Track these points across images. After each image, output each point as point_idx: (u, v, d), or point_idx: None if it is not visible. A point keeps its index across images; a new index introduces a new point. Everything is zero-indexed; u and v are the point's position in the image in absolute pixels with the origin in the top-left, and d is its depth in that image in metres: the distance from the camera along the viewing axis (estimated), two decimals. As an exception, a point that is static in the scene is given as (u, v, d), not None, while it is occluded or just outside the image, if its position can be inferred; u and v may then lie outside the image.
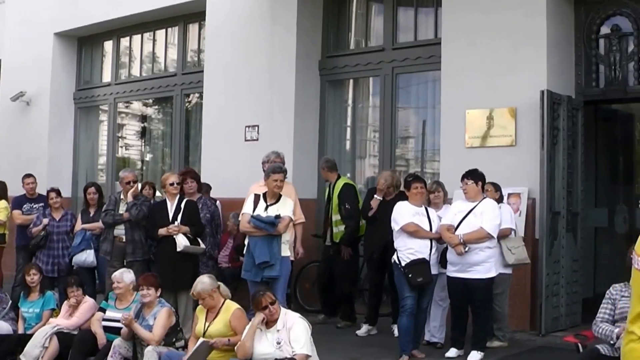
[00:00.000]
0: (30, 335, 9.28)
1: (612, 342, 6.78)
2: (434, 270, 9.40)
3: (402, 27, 13.35)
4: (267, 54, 13.78)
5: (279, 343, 7.66)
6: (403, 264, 9.21)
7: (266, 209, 9.85)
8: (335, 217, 11.44)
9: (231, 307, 8.36)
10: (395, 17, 13.30)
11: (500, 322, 9.95)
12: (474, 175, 9.39)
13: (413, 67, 12.99)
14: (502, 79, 11.25)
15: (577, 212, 11.29)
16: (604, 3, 11.63)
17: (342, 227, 11.36)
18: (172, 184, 10.53)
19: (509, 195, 10.58)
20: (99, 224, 11.48)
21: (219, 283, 8.55)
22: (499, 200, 9.94)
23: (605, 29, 11.68)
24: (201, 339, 8.13)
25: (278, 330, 7.72)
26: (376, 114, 13.67)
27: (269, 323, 7.77)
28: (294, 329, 7.69)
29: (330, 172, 11.67)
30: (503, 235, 9.72)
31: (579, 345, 7.38)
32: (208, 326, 8.26)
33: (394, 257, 9.37)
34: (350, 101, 14.39)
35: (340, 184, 11.55)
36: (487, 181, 9.64)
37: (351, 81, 14.25)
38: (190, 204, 10.61)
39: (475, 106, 11.48)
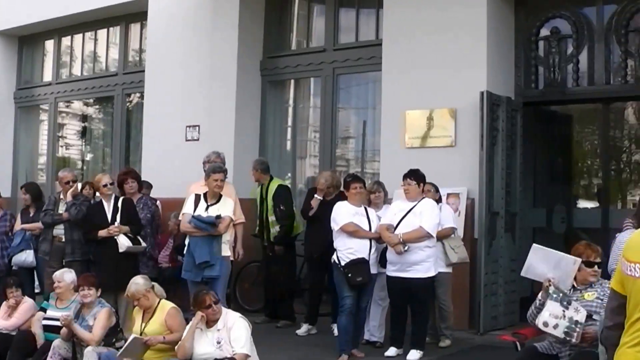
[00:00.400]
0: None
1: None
2: (373, 270, 9.41)
3: (344, 28, 13.44)
4: (209, 54, 13.74)
5: (219, 342, 7.62)
6: (342, 263, 9.22)
7: (207, 209, 9.79)
8: (271, 218, 11.48)
9: (166, 306, 8.31)
10: (336, 18, 13.38)
11: (447, 321, 10.05)
12: (416, 175, 9.43)
13: (354, 68, 13.10)
14: (442, 80, 11.35)
15: (516, 212, 11.44)
16: (544, 6, 11.81)
17: (278, 228, 11.41)
18: (105, 185, 10.41)
19: (448, 195, 10.67)
20: (39, 224, 11.32)
21: (153, 283, 8.51)
22: (439, 200, 10.02)
23: (545, 32, 11.88)
24: (133, 335, 8.08)
25: (218, 330, 7.69)
26: (317, 114, 13.74)
27: (209, 323, 7.73)
28: (234, 328, 7.66)
29: (264, 174, 11.67)
30: (445, 234, 9.83)
31: (517, 343, 7.41)
32: (144, 327, 8.20)
33: (334, 256, 9.37)
34: (291, 101, 14.44)
35: (274, 185, 11.58)
36: (426, 181, 9.71)
37: (292, 82, 14.31)
38: (126, 203, 10.50)
39: (415, 107, 11.57)
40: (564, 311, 6.60)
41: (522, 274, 7.32)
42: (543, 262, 7.01)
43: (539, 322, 6.69)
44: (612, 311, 4.13)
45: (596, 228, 12.04)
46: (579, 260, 6.82)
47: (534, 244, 7.43)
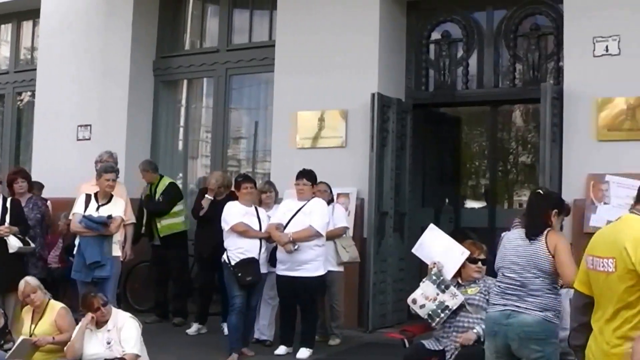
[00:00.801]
0: None
1: None
2: (263, 269, 9.47)
3: (237, 28, 13.48)
4: (102, 53, 13.61)
5: (109, 343, 7.58)
6: (233, 263, 9.25)
7: (98, 209, 9.72)
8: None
9: (56, 306, 8.23)
10: (230, 19, 13.41)
11: (338, 319, 10.19)
12: (310, 176, 9.53)
13: (247, 69, 13.15)
14: (333, 81, 11.48)
15: (405, 212, 11.64)
16: (435, 10, 12.05)
17: (165, 222, 11.44)
18: None
19: (338, 195, 10.79)
20: None
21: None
22: (332, 200, 10.14)
23: (436, 35, 12.11)
24: (21, 337, 7.97)
25: (108, 330, 7.64)
26: (209, 114, 13.74)
27: (99, 323, 7.68)
28: (124, 329, 7.63)
29: (154, 174, 11.68)
30: (337, 234, 9.97)
31: (405, 340, 7.52)
32: (34, 327, 8.10)
33: (224, 256, 9.39)
34: (183, 102, 14.42)
35: (165, 182, 11.65)
36: (321, 181, 9.84)
37: (185, 82, 14.31)
38: (14, 203, 10.34)
39: (306, 108, 11.70)
40: (437, 294, 6.89)
41: (413, 250, 7.56)
42: (435, 244, 7.29)
43: (409, 298, 7.06)
44: (577, 311, 4.29)
45: (483, 227, 12.36)
46: (467, 252, 7.08)
47: (431, 224, 7.66)
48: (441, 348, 6.93)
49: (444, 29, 12.04)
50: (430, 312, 6.89)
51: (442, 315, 6.86)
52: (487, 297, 6.72)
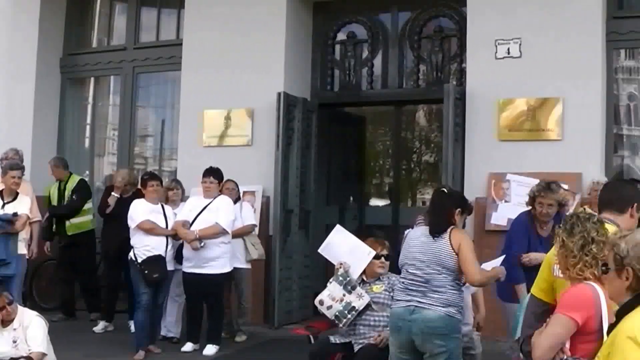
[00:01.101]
0: None
1: None
2: (169, 267, 9.51)
3: (145, 26, 13.46)
4: (8, 50, 13.43)
5: (15, 342, 7.47)
6: (139, 260, 9.26)
7: (3, 206, 9.66)
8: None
9: (-40, 305, 8.14)
10: (138, 17, 13.38)
11: (245, 316, 10.29)
12: (217, 174, 9.61)
13: (154, 67, 13.15)
14: (240, 80, 11.59)
15: (310, 210, 11.81)
16: (341, 11, 12.22)
17: (74, 221, 11.35)
18: None
19: (244, 193, 10.87)
20: None
21: None
22: (238, 198, 10.24)
23: (341, 35, 12.29)
24: None
25: (14, 329, 7.54)
26: (116, 112, 13.67)
27: (5, 322, 7.58)
28: (30, 327, 7.55)
29: (65, 170, 11.61)
30: (246, 231, 10.05)
31: (310, 336, 7.63)
32: (-64, 329, 7.99)
33: (131, 254, 9.39)
34: (90, 99, 14.31)
35: (75, 179, 11.59)
36: (229, 179, 9.93)
37: (92, 79, 14.21)
38: None
39: (213, 106, 11.78)
40: (344, 295, 6.94)
41: (320, 250, 7.56)
42: (341, 245, 7.32)
43: (317, 300, 7.06)
44: (535, 317, 4.51)
45: (387, 225, 12.56)
46: (373, 252, 7.14)
47: (338, 225, 7.74)
48: (347, 341, 7.00)
49: (350, 30, 12.22)
50: (337, 313, 6.95)
51: (349, 316, 6.94)
52: (391, 294, 6.78)
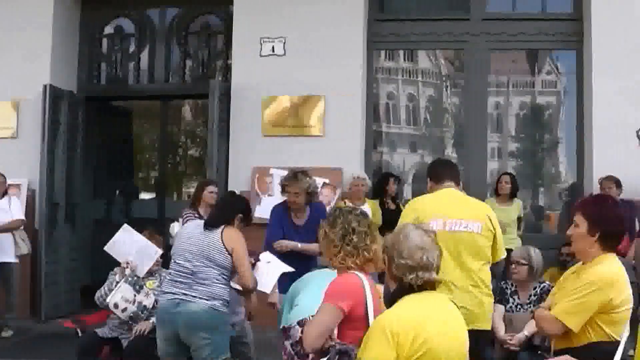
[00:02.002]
0: None
1: None
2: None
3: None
4: None
5: None
6: None
7: None
8: None
9: None
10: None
11: (12, 311, 10.12)
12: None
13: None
14: (4, 72, 11.34)
15: (77, 203, 11.70)
16: (110, 5, 12.18)
17: None
18: None
19: (10, 186, 10.62)
20: None
21: None
22: (5, 191, 10.06)
23: (109, 29, 12.27)
24: None
25: None
26: None
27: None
28: None
29: None
30: (15, 226, 9.92)
31: (78, 330, 7.60)
32: None
33: None
34: None
35: None
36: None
37: None
38: None
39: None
40: (135, 295, 7.01)
41: (106, 248, 7.42)
42: (128, 244, 7.28)
43: (111, 302, 7.01)
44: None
45: (154, 218, 12.64)
46: (161, 251, 7.27)
47: (125, 224, 7.60)
48: (115, 335, 7.07)
49: (118, 24, 12.24)
50: (132, 314, 7.01)
51: (142, 315, 7.02)
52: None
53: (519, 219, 10.50)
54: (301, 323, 5.58)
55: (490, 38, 11.06)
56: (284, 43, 10.79)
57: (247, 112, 10.77)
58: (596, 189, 9.73)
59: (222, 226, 6.15)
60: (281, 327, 6.02)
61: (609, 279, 4.41)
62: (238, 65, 11.00)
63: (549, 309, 4.60)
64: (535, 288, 7.16)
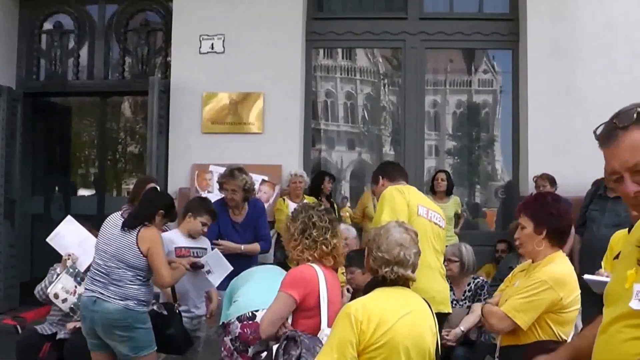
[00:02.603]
0: None
1: None
2: None
3: None
4: None
5: None
6: None
7: None
8: None
9: None
10: None
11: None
12: None
13: None
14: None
15: (15, 200, 11.60)
16: (49, 1, 12.11)
17: None
18: None
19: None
20: None
21: None
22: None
23: (48, 25, 12.19)
24: None
25: None
26: None
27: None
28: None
29: None
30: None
31: (17, 326, 7.53)
32: None
33: None
34: None
35: None
36: None
37: None
38: None
39: None
40: (76, 287, 7.02)
41: (48, 240, 7.38)
42: (70, 236, 7.27)
43: (51, 293, 7.00)
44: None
45: (93, 214, 12.59)
46: None
47: (69, 216, 7.61)
48: (55, 331, 7.04)
49: (57, 20, 12.16)
50: (72, 306, 7.00)
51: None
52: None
53: (457, 215, 10.69)
54: (240, 319, 5.72)
55: (428, 37, 11.24)
56: (223, 40, 10.85)
57: (187, 109, 10.81)
58: (531, 187, 9.97)
59: (139, 227, 6.15)
60: (221, 323, 6.13)
61: (561, 279, 4.49)
62: (177, 62, 11.03)
63: (497, 305, 4.67)
64: (469, 284, 7.35)
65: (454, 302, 7.18)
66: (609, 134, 2.55)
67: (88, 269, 6.99)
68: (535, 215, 4.65)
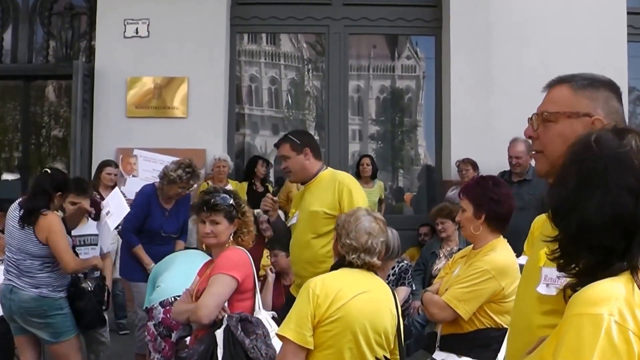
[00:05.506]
0: None
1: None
2: None
3: None
4: None
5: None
6: None
7: None
8: None
9: None
10: None
11: None
12: None
13: None
14: None
15: (-63, 184, 11.51)
16: None
17: None
18: None
19: None
20: None
21: None
22: None
23: (-30, 9, 12.03)
24: None
25: None
26: None
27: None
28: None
29: None
30: None
31: None
32: None
33: None
34: None
35: None
36: None
37: None
38: None
39: None
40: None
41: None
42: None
43: None
44: None
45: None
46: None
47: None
48: None
49: None
50: None
51: None
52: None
53: (380, 200, 10.87)
54: (163, 304, 5.82)
55: (351, 22, 11.40)
56: (148, 25, 10.87)
57: (111, 94, 10.82)
58: (454, 171, 10.18)
59: (37, 217, 6.08)
60: (144, 308, 6.20)
61: (503, 268, 4.47)
62: (102, 46, 11.04)
63: (437, 293, 4.67)
64: (393, 268, 7.47)
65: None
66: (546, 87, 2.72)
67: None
68: (475, 199, 4.63)
